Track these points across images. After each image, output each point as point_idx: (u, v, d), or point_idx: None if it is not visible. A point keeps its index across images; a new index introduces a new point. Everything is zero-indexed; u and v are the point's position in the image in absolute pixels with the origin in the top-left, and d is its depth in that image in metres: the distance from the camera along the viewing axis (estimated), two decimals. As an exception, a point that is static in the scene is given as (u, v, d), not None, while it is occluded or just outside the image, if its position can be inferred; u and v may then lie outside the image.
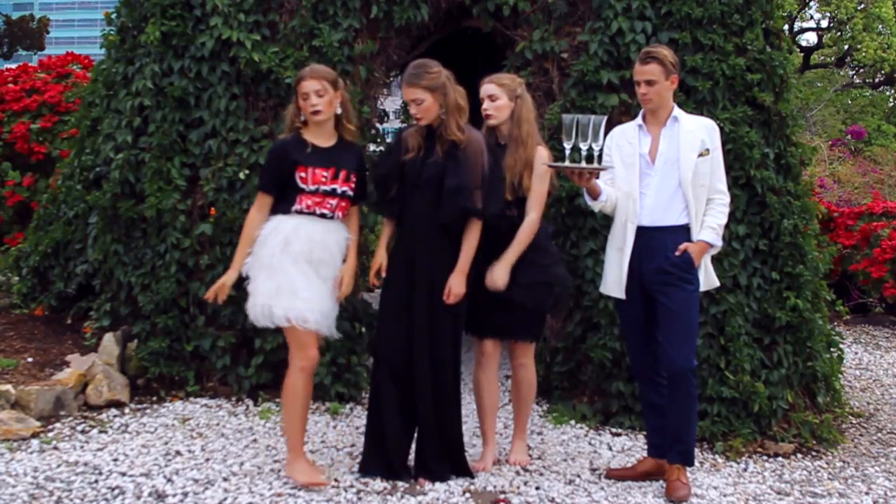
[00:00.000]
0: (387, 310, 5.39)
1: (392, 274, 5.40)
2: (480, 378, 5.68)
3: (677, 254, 5.24)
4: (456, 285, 5.21)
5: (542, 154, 5.49)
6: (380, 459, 5.36)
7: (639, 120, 5.47)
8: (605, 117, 5.25)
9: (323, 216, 5.21)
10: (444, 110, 5.25)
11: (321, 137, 5.28)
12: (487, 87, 5.59)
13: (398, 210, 5.39)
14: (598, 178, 5.32)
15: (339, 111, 5.29)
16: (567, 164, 5.29)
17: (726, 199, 5.42)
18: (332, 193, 5.21)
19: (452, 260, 5.24)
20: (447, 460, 5.40)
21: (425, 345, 5.24)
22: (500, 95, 5.55)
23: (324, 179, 5.18)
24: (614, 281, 5.41)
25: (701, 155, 5.30)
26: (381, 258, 5.45)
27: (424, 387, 5.25)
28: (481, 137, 5.34)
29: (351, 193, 5.30)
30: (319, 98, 5.18)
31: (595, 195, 5.33)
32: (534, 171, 5.46)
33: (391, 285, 5.40)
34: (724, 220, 5.39)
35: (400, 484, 5.31)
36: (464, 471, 5.43)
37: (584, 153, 5.23)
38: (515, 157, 5.47)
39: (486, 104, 5.59)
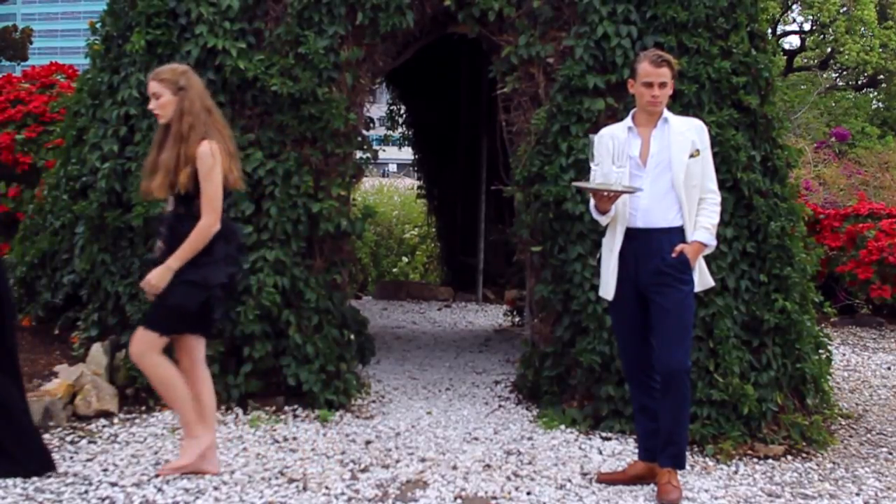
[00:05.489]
0: None
1: None
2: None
3: (673, 255, 5.25)
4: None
5: (205, 148, 5.17)
6: None
7: (628, 122, 5.46)
8: None
9: None
10: None
11: None
12: (150, 85, 5.34)
13: None
14: None
15: None
16: (595, 185, 5.27)
17: (717, 198, 5.43)
18: None
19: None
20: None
21: None
22: (162, 92, 5.27)
23: None
24: (606, 283, 5.41)
25: (692, 156, 5.31)
26: None
27: None
28: None
29: None
30: None
31: (605, 211, 5.33)
32: (200, 169, 5.17)
33: None
34: (716, 219, 5.40)
35: (391, 490, 5.30)
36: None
37: (616, 174, 5.24)
38: (173, 152, 5.20)
39: (151, 103, 5.34)
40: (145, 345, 5.25)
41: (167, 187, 5.23)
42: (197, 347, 5.46)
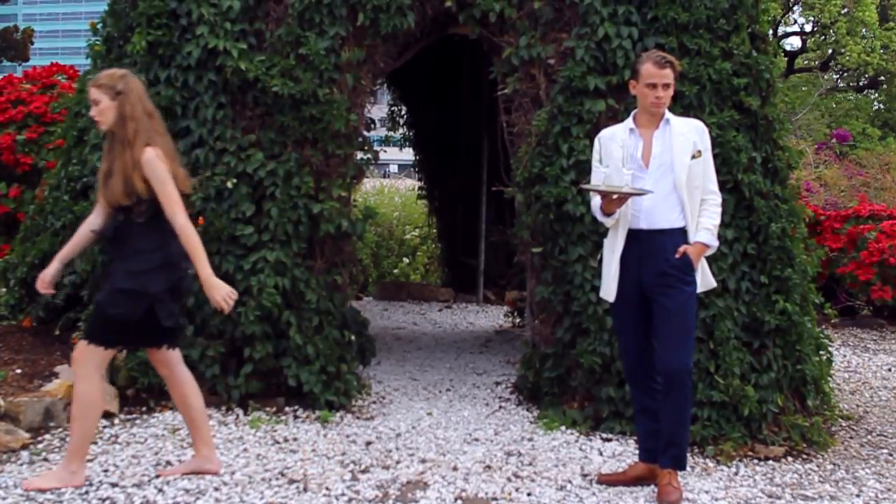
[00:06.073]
0: None
1: None
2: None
3: (677, 256, 5.25)
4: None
5: (151, 154, 5.04)
6: None
7: (630, 123, 5.45)
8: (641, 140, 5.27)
9: None
10: None
11: None
12: (89, 92, 5.19)
13: None
14: None
15: None
16: (604, 188, 5.27)
17: (718, 198, 5.43)
18: None
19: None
20: None
21: None
22: (100, 98, 5.12)
23: None
24: (607, 284, 5.41)
25: (693, 157, 5.31)
26: None
27: None
28: None
29: None
30: None
31: (610, 213, 5.33)
32: (151, 175, 5.03)
33: None
34: (718, 220, 5.39)
35: (391, 491, 5.30)
36: None
37: (624, 177, 5.24)
38: (123, 159, 5.06)
39: (92, 110, 5.20)
40: (86, 354, 5.15)
41: (127, 194, 5.08)
42: (170, 354, 5.41)
